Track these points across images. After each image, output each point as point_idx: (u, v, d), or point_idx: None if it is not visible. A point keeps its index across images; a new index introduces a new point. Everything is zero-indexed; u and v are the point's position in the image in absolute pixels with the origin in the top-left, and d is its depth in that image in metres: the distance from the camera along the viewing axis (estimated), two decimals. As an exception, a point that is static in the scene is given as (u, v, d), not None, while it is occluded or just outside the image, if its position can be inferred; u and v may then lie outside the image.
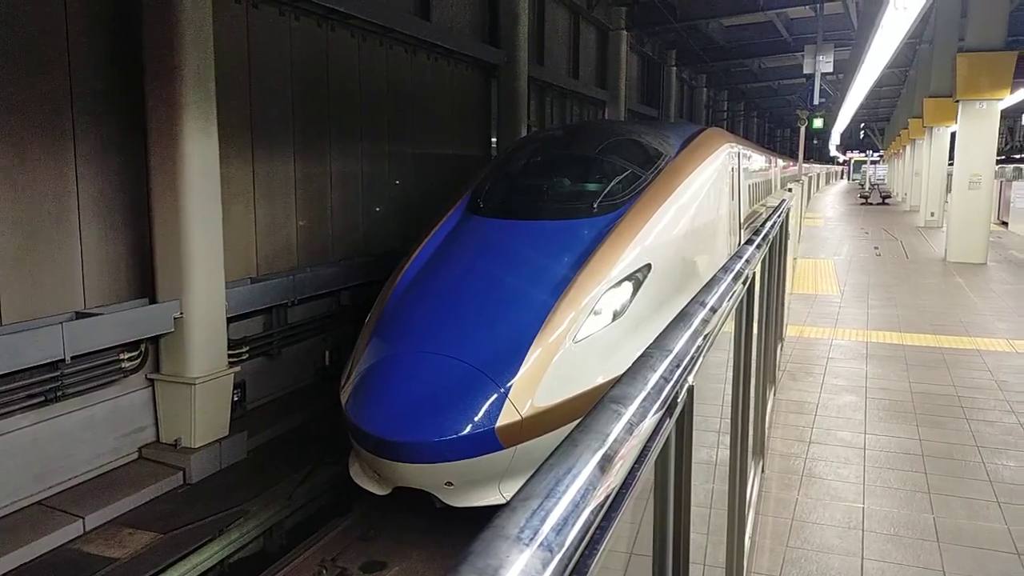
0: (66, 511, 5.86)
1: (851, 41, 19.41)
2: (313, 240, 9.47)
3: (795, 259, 11.87)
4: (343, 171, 10.01)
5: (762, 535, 3.51)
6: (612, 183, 6.93)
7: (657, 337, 1.44)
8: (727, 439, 3.05)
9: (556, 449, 0.89)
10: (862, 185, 43.10)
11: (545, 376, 5.13)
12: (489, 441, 4.81)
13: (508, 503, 0.76)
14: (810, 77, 21.36)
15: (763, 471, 4.14)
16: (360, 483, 5.46)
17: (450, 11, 12.74)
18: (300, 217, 9.23)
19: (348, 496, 6.26)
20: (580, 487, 0.82)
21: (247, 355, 7.96)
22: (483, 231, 6.64)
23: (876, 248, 15.09)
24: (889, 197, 31.92)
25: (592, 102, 20.06)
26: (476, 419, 4.87)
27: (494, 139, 14.46)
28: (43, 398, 5.94)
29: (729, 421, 2.88)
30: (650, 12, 20.64)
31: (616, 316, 5.71)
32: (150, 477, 6.53)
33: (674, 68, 27.33)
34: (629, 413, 1.05)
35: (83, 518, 5.80)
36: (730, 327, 2.80)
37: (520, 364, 5.14)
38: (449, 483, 4.94)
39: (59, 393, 6.04)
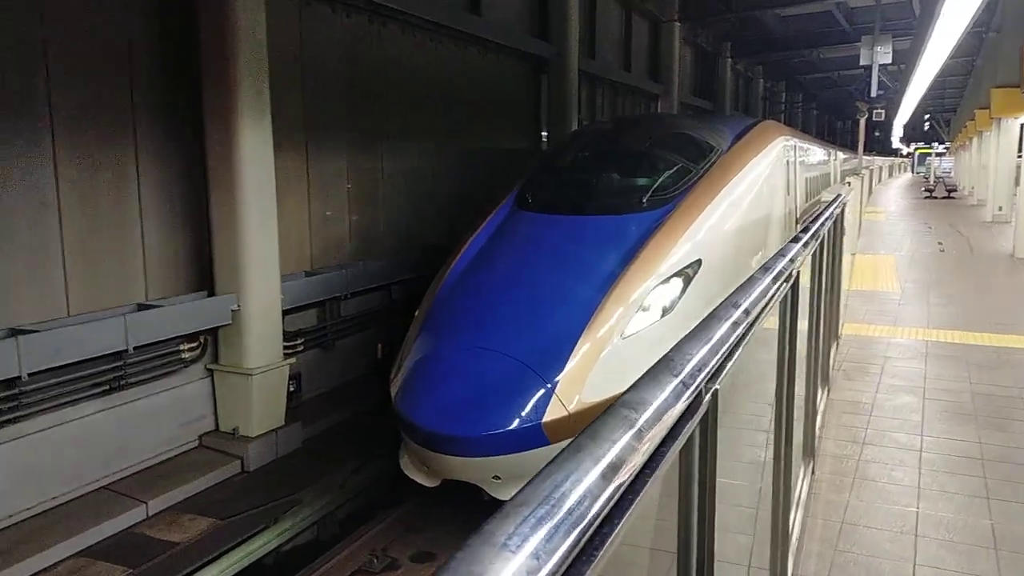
0: (130, 496, 6.10)
1: (912, 31, 18.79)
2: (365, 234, 9.61)
3: (853, 255, 11.58)
4: (394, 166, 10.12)
5: (810, 538, 3.46)
6: (662, 178, 6.87)
7: (681, 340, 1.42)
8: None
9: (560, 453, 0.88)
10: (926, 178, 41.72)
11: (592, 372, 5.13)
12: (536, 436, 4.84)
13: (501, 508, 0.75)
14: (867, 68, 20.68)
15: (813, 472, 4.07)
16: (409, 475, 5.54)
17: (500, 5, 12.74)
18: (352, 212, 9.37)
19: (400, 487, 6.35)
20: (580, 495, 0.80)
21: (302, 347, 8.12)
22: (531, 226, 6.66)
23: (940, 243, 14.62)
24: (955, 190, 30.85)
25: (644, 95, 19.85)
26: (523, 414, 4.90)
27: (544, 133, 14.43)
28: (108, 387, 6.18)
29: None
30: (704, 3, 20.31)
31: (665, 312, 5.67)
32: (209, 465, 6.73)
33: (729, 59, 26.83)
34: (642, 419, 1.02)
35: (146, 503, 6.02)
36: (776, 325, 2.76)
37: (567, 359, 5.15)
38: (496, 477, 4.99)
39: (123, 382, 6.27)
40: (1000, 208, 18.78)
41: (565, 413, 4.90)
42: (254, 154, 6.91)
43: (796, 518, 3.41)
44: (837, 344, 6.63)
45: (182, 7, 6.83)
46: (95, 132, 6.20)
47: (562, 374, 5.08)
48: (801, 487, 3.73)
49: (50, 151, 5.87)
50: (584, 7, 15.17)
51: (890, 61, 20.62)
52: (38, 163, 5.80)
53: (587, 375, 5.11)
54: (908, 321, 7.92)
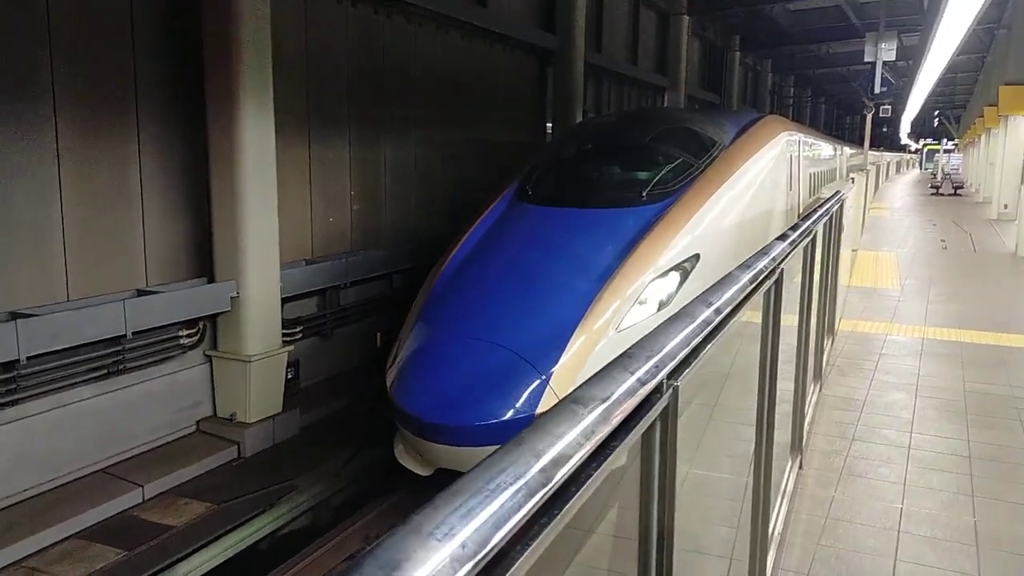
0: (127, 479, 6.16)
1: (919, 27, 18.67)
2: (367, 224, 9.64)
3: (854, 251, 11.56)
4: (397, 156, 10.14)
5: (794, 532, 3.49)
6: (662, 171, 6.88)
7: (644, 336, 1.44)
8: (777, 434, 2.99)
9: (501, 447, 0.90)
10: (934, 175, 41.53)
11: (587, 364, 5.16)
12: (528, 427, 4.86)
13: (432, 500, 0.76)
14: (872, 65, 20.57)
15: (800, 467, 4.10)
16: (404, 463, 5.58)
17: (507, -3, 12.72)
18: (354, 201, 9.40)
19: (395, 475, 6.39)
20: (516, 487, 0.80)
21: (301, 335, 8.17)
22: (530, 218, 6.68)
23: (943, 241, 14.57)
24: (961, 187, 30.73)
25: (651, 88, 19.79)
26: (517, 405, 4.94)
27: (549, 125, 14.41)
28: (105, 371, 6.23)
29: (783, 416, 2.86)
30: (713, -5, 20.19)
31: (661, 306, 5.69)
32: (206, 450, 6.79)
33: (738, 53, 26.68)
34: (591, 416, 1.03)
35: (142, 487, 6.08)
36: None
37: (562, 352, 5.18)
38: (489, 467, 5.02)
39: (121, 367, 6.32)
40: (1005, 206, 18.68)
41: (558, 405, 4.92)
42: (256, 140, 6.94)
43: (780, 512, 3.43)
44: (832, 340, 6.64)
45: (185, -6, 6.84)
46: (94, 117, 6.22)
47: (557, 366, 5.11)
48: (787, 482, 3.76)
49: (52, 134, 5.90)
50: (591, -1, 15.12)
51: (894, 58, 20.48)
52: (40, 147, 5.83)
53: (582, 367, 5.14)
54: (906, 318, 7.92)
